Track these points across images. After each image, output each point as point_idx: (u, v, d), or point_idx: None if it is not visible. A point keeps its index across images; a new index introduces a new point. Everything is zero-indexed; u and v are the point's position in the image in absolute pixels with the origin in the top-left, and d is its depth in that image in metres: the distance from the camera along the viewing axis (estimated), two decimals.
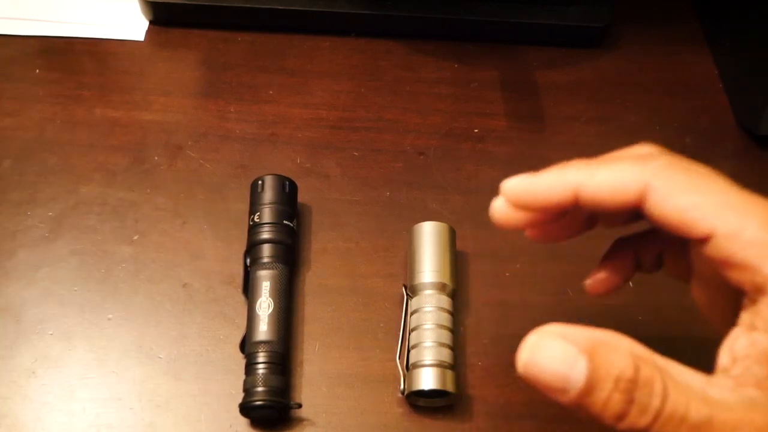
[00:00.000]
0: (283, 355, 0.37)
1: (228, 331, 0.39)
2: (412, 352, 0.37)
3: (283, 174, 0.41)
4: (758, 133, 0.46)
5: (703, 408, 0.21)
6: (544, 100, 0.49)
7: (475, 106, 0.48)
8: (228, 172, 0.45)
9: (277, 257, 0.39)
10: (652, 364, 0.21)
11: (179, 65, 0.50)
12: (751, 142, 0.47)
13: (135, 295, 0.40)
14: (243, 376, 0.36)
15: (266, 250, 0.39)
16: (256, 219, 0.40)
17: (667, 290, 0.37)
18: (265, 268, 0.38)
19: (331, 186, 0.44)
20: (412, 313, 0.38)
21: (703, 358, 0.23)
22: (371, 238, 0.42)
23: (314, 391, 0.37)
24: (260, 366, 0.36)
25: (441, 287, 0.38)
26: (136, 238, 0.42)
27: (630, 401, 0.21)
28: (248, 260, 0.39)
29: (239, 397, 0.36)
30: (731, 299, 0.25)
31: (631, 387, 0.21)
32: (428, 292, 0.38)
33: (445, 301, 0.38)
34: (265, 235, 0.39)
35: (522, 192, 0.27)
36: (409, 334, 0.37)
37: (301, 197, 0.42)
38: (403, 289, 0.39)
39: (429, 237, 0.39)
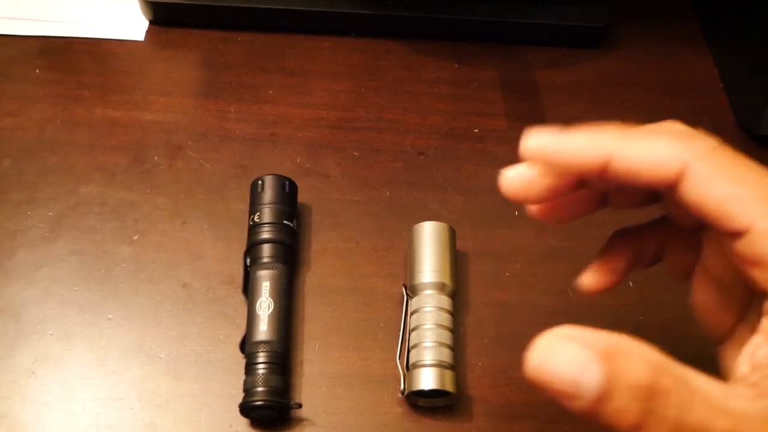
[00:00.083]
0: (283, 355, 0.37)
1: (228, 331, 0.39)
2: (412, 352, 0.37)
3: (283, 174, 0.41)
4: (758, 133, 0.46)
5: (725, 420, 0.19)
6: (544, 100, 0.49)
7: (475, 106, 0.48)
8: (228, 172, 0.45)
9: (277, 257, 0.39)
10: (672, 372, 0.20)
11: (179, 65, 0.50)
12: (751, 142, 0.47)
13: (135, 295, 0.40)
14: (243, 376, 0.36)
15: (266, 250, 0.39)
16: (256, 219, 0.40)
17: (667, 290, 0.36)
18: (265, 268, 0.38)
19: (331, 186, 0.44)
20: (412, 313, 0.38)
21: (703, 359, 0.23)
22: (371, 238, 0.42)
23: (314, 391, 0.37)
24: (260, 366, 0.36)
25: (441, 287, 0.38)
26: (136, 238, 0.42)
27: (647, 411, 0.19)
28: (248, 260, 0.39)
29: (239, 397, 0.36)
30: (739, 300, 0.24)
31: (649, 396, 0.19)
32: (428, 292, 0.38)
33: (445, 301, 0.38)
34: (265, 235, 0.39)
35: (549, 149, 0.25)
36: (409, 334, 0.37)
37: (301, 197, 0.42)
38: (403, 289, 0.39)
39: (429, 237, 0.39)
